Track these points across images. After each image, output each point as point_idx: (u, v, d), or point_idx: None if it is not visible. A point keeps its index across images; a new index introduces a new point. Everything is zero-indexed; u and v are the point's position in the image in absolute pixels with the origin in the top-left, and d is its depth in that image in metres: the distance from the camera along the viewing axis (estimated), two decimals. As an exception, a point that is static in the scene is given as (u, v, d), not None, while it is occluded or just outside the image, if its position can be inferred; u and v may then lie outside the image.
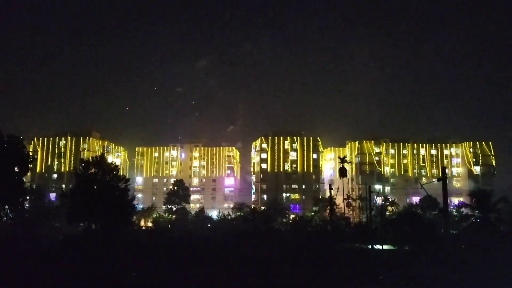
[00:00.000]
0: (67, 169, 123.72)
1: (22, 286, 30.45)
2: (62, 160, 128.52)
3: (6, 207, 44.73)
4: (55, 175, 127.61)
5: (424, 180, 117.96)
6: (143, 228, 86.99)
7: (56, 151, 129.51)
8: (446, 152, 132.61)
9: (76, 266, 39.32)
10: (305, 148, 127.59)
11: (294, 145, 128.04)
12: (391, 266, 42.35)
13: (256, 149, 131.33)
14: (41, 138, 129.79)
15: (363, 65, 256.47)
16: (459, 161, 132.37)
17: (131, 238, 55.47)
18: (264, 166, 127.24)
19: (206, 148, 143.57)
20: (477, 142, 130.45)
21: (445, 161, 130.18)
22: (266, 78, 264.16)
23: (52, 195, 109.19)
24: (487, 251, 44.51)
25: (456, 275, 36.10)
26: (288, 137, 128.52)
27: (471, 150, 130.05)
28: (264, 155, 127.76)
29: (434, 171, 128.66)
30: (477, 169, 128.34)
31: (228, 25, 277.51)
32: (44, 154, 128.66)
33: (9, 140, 41.06)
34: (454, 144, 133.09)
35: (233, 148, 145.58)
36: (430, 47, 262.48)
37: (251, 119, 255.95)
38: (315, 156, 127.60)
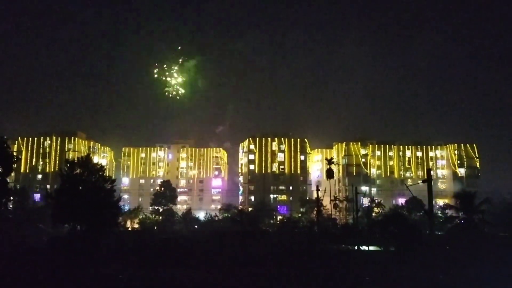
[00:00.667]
0: (52, 170, 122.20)
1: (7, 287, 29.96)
2: (47, 160, 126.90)
3: (-11, 208, 44.01)
4: (39, 176, 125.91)
5: (409, 181, 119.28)
6: (130, 229, 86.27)
7: (41, 151, 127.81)
8: (431, 154, 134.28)
9: (62, 267, 38.84)
10: (292, 149, 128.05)
11: (282, 146, 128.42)
12: (377, 267, 42.66)
13: (244, 150, 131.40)
14: (25, 138, 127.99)
15: (351, 67, 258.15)
16: (444, 163, 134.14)
17: (117, 239, 54.96)
18: (251, 167, 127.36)
19: (193, 149, 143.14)
20: (462, 144, 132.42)
21: (430, 163, 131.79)
22: (254, 79, 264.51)
23: (37, 196, 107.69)
24: (471, 251, 45.14)
25: (441, 276, 36.53)
26: (276, 138, 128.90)
27: (456, 152, 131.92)
28: (251, 156, 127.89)
29: (420, 172, 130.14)
30: (461, 171, 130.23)
31: (216, 25, 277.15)
32: (29, 154, 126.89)
33: (-8, 140, 40.44)
34: (439, 146, 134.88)
35: (221, 149, 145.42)
36: (416, 50, 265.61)
37: (239, 120, 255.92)
38: (302, 157, 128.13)
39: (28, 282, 32.64)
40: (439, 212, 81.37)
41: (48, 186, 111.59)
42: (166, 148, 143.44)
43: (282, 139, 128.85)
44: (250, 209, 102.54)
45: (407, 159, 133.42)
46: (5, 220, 65.36)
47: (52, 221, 52.69)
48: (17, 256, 43.09)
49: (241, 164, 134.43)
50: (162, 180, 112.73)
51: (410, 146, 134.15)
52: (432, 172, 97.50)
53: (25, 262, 41.82)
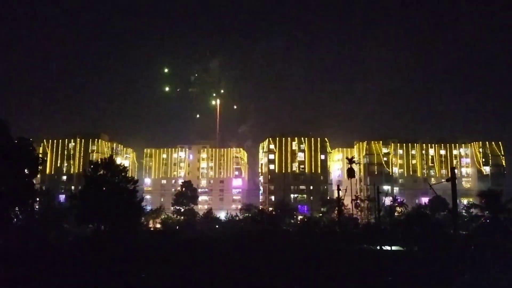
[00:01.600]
0: (76, 171, 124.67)
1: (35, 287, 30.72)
2: (71, 162, 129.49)
3: (17, 208, 45.10)
4: (64, 177, 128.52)
5: (433, 180, 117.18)
6: (152, 229, 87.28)
7: (66, 153, 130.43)
8: (455, 152, 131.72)
9: (86, 267, 39.62)
10: (312, 148, 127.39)
11: (302, 146, 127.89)
12: (399, 268, 42.11)
13: (264, 150, 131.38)
14: (50, 140, 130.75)
15: (372, 65, 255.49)
16: (468, 161, 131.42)
17: (140, 239, 55.74)
18: (271, 167, 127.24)
19: (214, 150, 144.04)
20: (487, 142, 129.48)
21: (454, 161, 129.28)
22: (274, 78, 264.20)
23: (62, 197, 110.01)
24: (497, 251, 44.10)
25: (466, 276, 35.84)
26: (296, 138, 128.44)
27: (480, 150, 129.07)
28: (271, 156, 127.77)
29: (443, 171, 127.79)
30: (486, 169, 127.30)
31: (238, 25, 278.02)
32: (54, 156, 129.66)
33: (19, 142, 41.50)
34: (463, 144, 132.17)
35: (241, 149, 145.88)
36: (439, 46, 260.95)
37: (259, 119, 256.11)
38: (323, 156, 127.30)
39: (55, 281, 33.40)
40: (464, 211, 79.83)
41: (72, 187, 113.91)
42: (187, 149, 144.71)
43: (302, 138, 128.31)
44: (270, 209, 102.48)
45: (430, 157, 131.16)
46: (32, 221, 66.99)
47: (77, 221, 53.79)
48: (44, 256, 44.13)
49: (261, 164, 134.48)
50: (183, 181, 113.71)
51: (433, 144, 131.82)
52: (456, 170, 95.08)
53: (52, 261, 42.85)
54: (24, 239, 54.48)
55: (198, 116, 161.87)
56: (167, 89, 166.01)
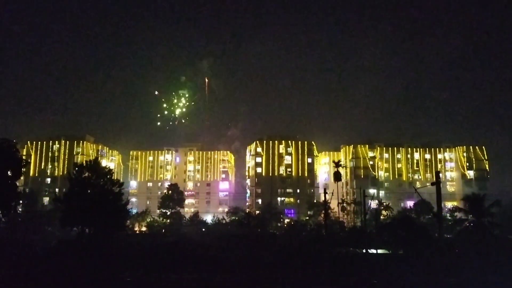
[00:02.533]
0: (61, 173, 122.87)
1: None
2: (56, 164, 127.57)
3: (-1, 211, 44.38)
4: (48, 179, 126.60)
5: (418, 184, 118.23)
6: (137, 232, 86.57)
7: (50, 155, 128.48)
8: (440, 156, 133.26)
9: (70, 270, 39.05)
10: (299, 152, 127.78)
11: (289, 149, 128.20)
12: (385, 270, 42.40)
13: (251, 153, 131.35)
14: (34, 142, 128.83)
15: (358, 70, 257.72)
16: (452, 166, 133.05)
17: (125, 242, 55.17)
18: (259, 170, 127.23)
19: (200, 152, 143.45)
20: (471, 147, 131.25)
21: (439, 166, 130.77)
22: (260, 82, 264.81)
23: (46, 199, 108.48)
24: (481, 255, 44.71)
25: (451, 279, 36.24)
26: (283, 141, 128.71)
27: (464, 154, 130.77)
28: (258, 159, 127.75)
29: (428, 175, 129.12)
30: (470, 174, 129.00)
31: (227, 27, 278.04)
32: (38, 158, 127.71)
33: (1, 144, 40.75)
34: (447, 149, 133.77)
35: (228, 152, 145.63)
36: (424, 52, 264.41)
37: (247, 123, 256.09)
38: (309, 160, 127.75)
39: (38, 285, 32.82)
40: (448, 215, 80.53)
41: (57, 190, 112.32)
42: (174, 152, 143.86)
43: (289, 141, 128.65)
44: (257, 212, 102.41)
45: (415, 161, 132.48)
46: (15, 224, 65.96)
47: (61, 224, 53.07)
48: (27, 259, 43.39)
49: (248, 167, 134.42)
50: (169, 184, 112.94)
51: (418, 149, 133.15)
52: (440, 174, 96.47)
53: (35, 264, 42.16)
54: (7, 242, 53.59)
55: (185, 119, 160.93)
56: (155, 92, 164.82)
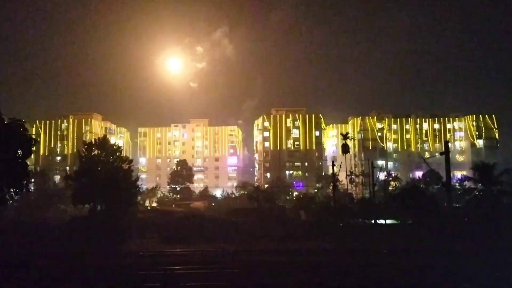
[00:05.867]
0: (71, 152, 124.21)
1: (33, 266, 30.93)
2: (65, 142, 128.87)
3: (12, 190, 44.93)
4: (58, 158, 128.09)
5: (427, 154, 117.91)
6: (148, 208, 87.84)
7: (59, 133, 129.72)
8: (449, 126, 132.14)
9: (83, 245, 39.87)
10: (307, 125, 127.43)
11: (296, 123, 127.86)
12: (394, 240, 42.75)
13: (258, 128, 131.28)
14: (43, 121, 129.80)
15: (365, 40, 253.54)
16: (462, 135, 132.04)
17: (137, 218, 56.08)
18: (266, 144, 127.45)
19: (208, 128, 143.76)
20: (480, 115, 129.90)
21: (448, 135, 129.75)
22: (267, 54, 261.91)
23: (57, 178, 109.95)
24: (489, 223, 44.82)
25: (459, 247, 36.46)
26: (290, 115, 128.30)
27: (474, 123, 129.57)
28: (266, 133, 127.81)
29: (437, 145, 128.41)
30: (480, 143, 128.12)
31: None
32: (47, 137, 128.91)
33: (11, 123, 40.93)
34: (456, 118, 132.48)
35: (236, 127, 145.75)
36: (433, 20, 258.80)
37: (252, 97, 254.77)
38: (317, 133, 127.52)
39: (53, 260, 33.58)
40: (457, 184, 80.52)
41: (67, 168, 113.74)
42: (181, 128, 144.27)
43: (297, 115, 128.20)
44: (266, 186, 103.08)
45: (424, 132, 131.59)
46: (27, 202, 67.05)
47: (73, 202, 53.90)
48: (41, 236, 44.31)
49: (256, 142, 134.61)
50: (178, 159, 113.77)
51: (427, 119, 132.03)
52: (449, 144, 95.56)
53: (49, 241, 43.08)
54: (20, 220, 54.69)
55: (191, 94, 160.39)
56: (162, 65, 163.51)
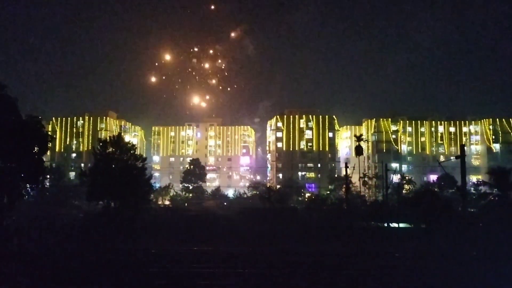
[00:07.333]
0: (86, 149, 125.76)
1: (47, 261, 31.39)
2: (80, 139, 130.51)
3: (27, 185, 45.74)
4: (74, 155, 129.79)
5: (442, 158, 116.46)
6: (161, 206, 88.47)
7: (74, 130, 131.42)
8: (464, 129, 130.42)
9: (97, 241, 40.31)
10: (320, 126, 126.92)
11: (310, 124, 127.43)
12: (407, 244, 42.32)
13: (272, 128, 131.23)
14: (59, 118, 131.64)
15: (380, 42, 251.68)
16: (478, 139, 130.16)
17: (149, 215, 56.52)
18: (279, 145, 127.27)
19: (221, 127, 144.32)
20: (497, 119, 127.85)
21: (464, 139, 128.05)
22: (282, 55, 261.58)
23: (72, 174, 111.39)
24: (505, 228, 44.07)
25: (475, 252, 35.94)
26: (304, 116, 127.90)
27: (490, 127, 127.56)
28: (279, 134, 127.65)
29: (452, 149, 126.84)
30: (496, 147, 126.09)
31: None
32: (63, 134, 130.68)
33: (27, 120, 41.69)
34: (473, 121, 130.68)
35: (248, 127, 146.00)
36: (449, 23, 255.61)
37: (267, 97, 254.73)
38: (330, 134, 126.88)
39: (67, 255, 34.02)
40: (472, 188, 79.40)
41: (82, 165, 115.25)
42: (195, 127, 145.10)
43: (310, 116, 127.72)
44: (278, 186, 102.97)
45: (439, 135, 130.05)
46: (43, 198, 68.10)
47: (87, 198, 54.67)
48: (55, 232, 44.92)
49: (269, 142, 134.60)
50: (191, 158, 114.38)
51: (442, 122, 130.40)
52: (465, 148, 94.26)
53: (63, 237, 43.64)
54: (35, 216, 55.51)
55: (207, 97, 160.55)
56: (178, 63, 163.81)
